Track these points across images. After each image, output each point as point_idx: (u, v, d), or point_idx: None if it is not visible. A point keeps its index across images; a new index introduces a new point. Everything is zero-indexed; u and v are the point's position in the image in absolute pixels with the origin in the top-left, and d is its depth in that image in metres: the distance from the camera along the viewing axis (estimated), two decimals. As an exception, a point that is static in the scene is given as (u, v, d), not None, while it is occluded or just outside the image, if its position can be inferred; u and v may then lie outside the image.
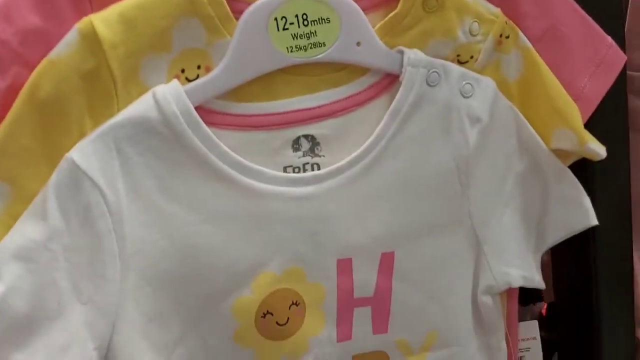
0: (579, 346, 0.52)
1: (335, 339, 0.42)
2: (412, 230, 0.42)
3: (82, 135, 0.36)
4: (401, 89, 0.40)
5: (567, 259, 0.52)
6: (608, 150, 0.44)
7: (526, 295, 0.58)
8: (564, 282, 0.54)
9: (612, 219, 0.49)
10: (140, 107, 0.36)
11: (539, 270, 0.46)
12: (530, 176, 0.44)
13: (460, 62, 0.42)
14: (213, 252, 0.38)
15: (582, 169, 0.46)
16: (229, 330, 0.39)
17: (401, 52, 0.40)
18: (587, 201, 0.44)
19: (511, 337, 0.48)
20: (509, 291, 0.46)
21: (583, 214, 0.44)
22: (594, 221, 0.44)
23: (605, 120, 0.46)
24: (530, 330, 0.49)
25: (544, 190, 0.44)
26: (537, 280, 0.45)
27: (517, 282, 0.44)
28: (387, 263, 0.42)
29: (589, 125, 0.44)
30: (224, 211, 0.38)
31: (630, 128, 0.49)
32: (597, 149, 0.42)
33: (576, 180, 0.44)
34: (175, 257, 0.37)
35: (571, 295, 0.53)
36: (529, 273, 0.44)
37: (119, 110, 0.36)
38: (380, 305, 0.42)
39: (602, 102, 0.46)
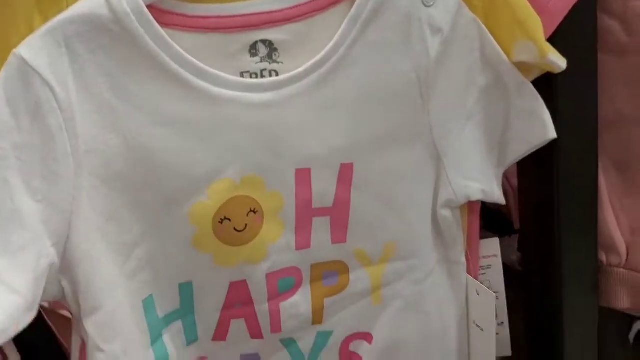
0: (542, 270, 0.53)
1: (294, 247, 0.42)
2: (372, 141, 0.42)
3: (30, 31, 0.35)
4: None
5: (533, 183, 0.52)
6: (574, 69, 0.44)
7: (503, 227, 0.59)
8: (529, 207, 0.54)
9: (578, 140, 0.49)
10: (90, 3, 0.35)
11: (500, 186, 0.46)
12: (493, 91, 0.44)
13: (422, -28, 0.41)
14: (168, 156, 0.38)
15: (549, 88, 0.46)
16: (187, 235, 0.40)
17: (362, -43, 0.39)
18: (547, 115, 0.44)
19: (472, 254, 0.48)
20: (470, 206, 0.46)
21: (542, 127, 0.44)
22: (553, 134, 0.44)
23: (573, 37, 0.46)
24: (492, 248, 0.49)
25: (506, 105, 0.44)
26: (497, 195, 0.45)
27: (476, 195, 0.44)
28: (346, 174, 0.42)
29: (556, 42, 0.44)
30: (179, 114, 0.38)
31: (601, 49, 0.49)
32: (558, 61, 0.42)
33: (536, 93, 0.44)
34: (129, 159, 0.38)
35: (535, 219, 0.54)
36: (488, 187, 0.45)
37: (68, 6, 0.35)
38: (339, 216, 0.43)
39: (571, 19, 0.45)
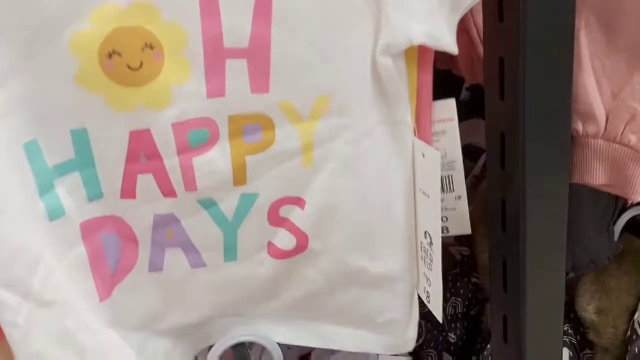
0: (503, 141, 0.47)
1: (205, 94, 0.37)
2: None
3: None
4: None
5: (497, 36, 0.45)
6: None
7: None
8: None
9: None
10: None
11: (453, 33, 0.39)
12: None
13: None
14: None
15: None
16: (69, 70, 0.35)
17: None
18: None
19: (423, 117, 0.43)
20: (421, 61, 0.40)
21: None
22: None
23: None
24: (447, 110, 0.43)
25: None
26: (445, 41, 0.38)
27: (420, 38, 0.38)
28: (263, 6, 0.36)
29: None
30: None
31: None
32: None
33: None
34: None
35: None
36: (436, 32, 0.38)
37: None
38: (258, 59, 0.37)
39: None
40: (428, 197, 0.42)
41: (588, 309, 0.62)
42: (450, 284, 0.76)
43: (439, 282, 0.43)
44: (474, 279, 0.74)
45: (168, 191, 0.40)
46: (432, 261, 0.44)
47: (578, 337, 0.64)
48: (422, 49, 0.40)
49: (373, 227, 0.44)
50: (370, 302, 0.47)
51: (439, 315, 0.44)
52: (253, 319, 0.49)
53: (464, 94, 0.74)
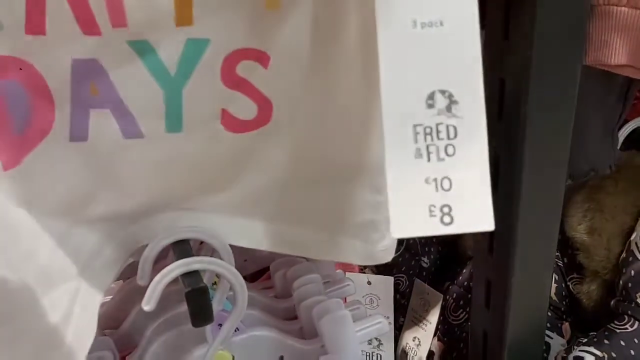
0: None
1: None
2: None
3: None
4: None
5: None
6: None
7: None
8: None
9: None
10: None
11: None
12: None
13: None
14: None
15: None
16: None
17: None
18: None
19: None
20: None
21: None
22: None
23: None
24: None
25: None
26: None
27: None
28: None
29: None
30: None
31: None
32: None
33: None
34: None
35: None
36: None
37: None
38: None
39: None
40: (441, 24, 0.27)
41: (579, 229, 0.56)
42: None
43: (480, 167, 0.28)
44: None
45: (89, 26, 0.30)
46: (454, 138, 0.27)
47: (565, 260, 0.58)
48: None
49: (352, 98, 0.36)
50: (346, 199, 0.39)
51: (488, 221, 0.28)
52: (203, 214, 0.41)
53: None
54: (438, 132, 0.27)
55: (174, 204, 0.40)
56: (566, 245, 0.58)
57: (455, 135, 0.27)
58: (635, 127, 0.55)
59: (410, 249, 0.70)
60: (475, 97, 0.27)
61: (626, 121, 0.55)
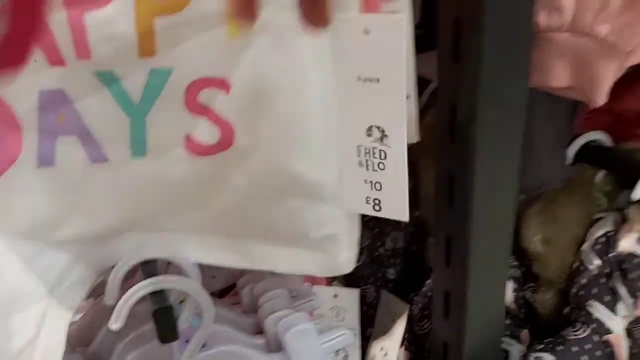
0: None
1: None
2: None
3: None
4: None
5: None
6: None
7: None
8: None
9: None
10: None
11: None
12: None
13: None
14: None
15: None
16: None
17: None
18: None
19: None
20: None
21: None
22: None
23: None
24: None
25: None
26: None
27: None
28: None
29: None
30: None
31: None
32: None
33: None
34: None
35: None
36: None
37: None
38: None
39: None
40: (378, 81, 0.36)
41: (534, 240, 0.59)
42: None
43: (400, 179, 0.38)
44: (416, 213, 0.70)
45: (55, 57, 0.32)
46: (384, 159, 0.38)
47: (523, 269, 0.61)
48: None
49: (310, 122, 0.38)
50: (306, 214, 0.41)
51: (404, 214, 0.39)
52: (169, 234, 0.42)
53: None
54: (373, 153, 0.38)
55: (141, 225, 0.41)
56: (523, 255, 0.60)
57: (385, 157, 0.38)
58: (586, 141, 0.57)
59: (376, 261, 0.72)
60: (400, 132, 0.37)
61: (577, 136, 0.58)
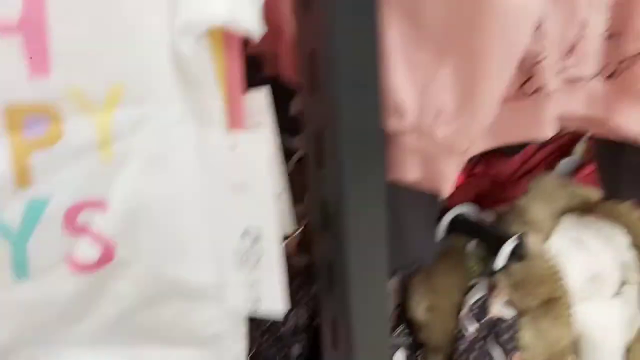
0: (318, 137, 0.46)
1: None
2: None
3: None
4: None
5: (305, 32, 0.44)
6: None
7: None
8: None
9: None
10: None
11: (256, 16, 0.37)
12: None
13: None
14: None
15: None
16: None
17: None
18: None
19: (234, 106, 0.40)
20: (227, 41, 0.38)
21: None
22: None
23: None
24: (259, 102, 0.41)
25: None
26: (247, 20, 0.36)
27: (220, 17, 0.35)
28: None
29: None
30: None
31: None
32: None
33: None
34: None
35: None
36: (238, 8, 0.36)
37: None
38: (34, 39, 0.33)
39: None
40: (247, 189, 0.40)
41: (418, 310, 0.63)
42: (291, 296, 0.74)
43: (276, 276, 0.42)
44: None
45: None
46: (261, 259, 0.42)
47: (413, 337, 0.65)
48: (227, 32, 0.37)
49: (188, 231, 0.41)
50: (193, 315, 0.44)
51: (281, 310, 0.44)
52: (63, 347, 0.43)
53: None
54: (250, 253, 0.42)
55: (34, 340, 0.42)
56: (412, 323, 0.65)
57: (261, 257, 0.42)
58: (454, 215, 0.63)
59: (281, 339, 0.74)
60: (273, 232, 0.41)
61: (448, 208, 0.64)
